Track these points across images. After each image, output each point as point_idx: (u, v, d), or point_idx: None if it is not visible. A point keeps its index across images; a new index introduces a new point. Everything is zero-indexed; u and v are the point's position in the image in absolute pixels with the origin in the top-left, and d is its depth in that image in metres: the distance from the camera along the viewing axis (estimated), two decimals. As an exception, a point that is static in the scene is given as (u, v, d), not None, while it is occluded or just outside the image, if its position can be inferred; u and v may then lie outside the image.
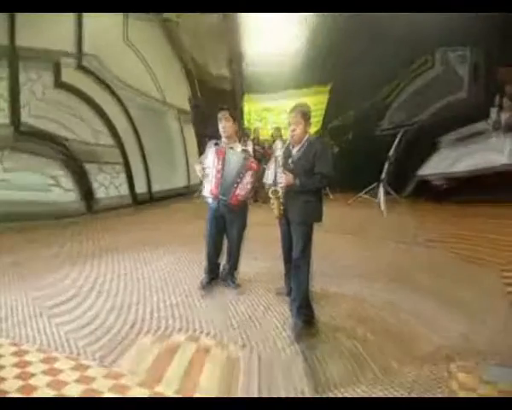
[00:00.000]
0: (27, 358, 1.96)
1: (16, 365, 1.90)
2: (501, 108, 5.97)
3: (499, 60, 5.82)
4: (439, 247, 4.01)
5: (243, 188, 2.71)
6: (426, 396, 1.67)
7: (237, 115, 2.96)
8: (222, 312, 2.53)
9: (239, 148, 2.85)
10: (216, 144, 2.78)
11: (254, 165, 2.75)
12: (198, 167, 2.79)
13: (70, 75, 5.45)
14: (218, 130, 2.84)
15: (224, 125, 2.75)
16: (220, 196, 2.72)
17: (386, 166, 6.23)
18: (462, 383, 1.76)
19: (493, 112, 6.03)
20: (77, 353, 2.02)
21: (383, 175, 6.23)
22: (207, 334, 2.23)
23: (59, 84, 5.32)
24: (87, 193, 5.75)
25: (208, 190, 2.76)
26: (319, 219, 2.41)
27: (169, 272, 3.31)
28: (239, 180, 2.69)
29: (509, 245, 3.86)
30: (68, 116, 5.42)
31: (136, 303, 2.67)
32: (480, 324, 2.33)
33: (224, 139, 2.81)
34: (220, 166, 2.70)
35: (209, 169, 2.74)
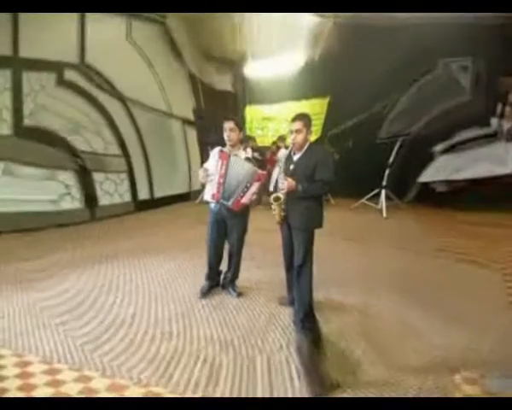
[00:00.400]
0: (30, 369, 1.96)
1: (19, 376, 1.89)
2: (502, 116, 5.98)
3: (501, 69, 5.84)
4: (441, 253, 4.00)
5: (248, 197, 2.73)
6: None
7: (241, 124, 2.99)
8: (222, 325, 2.48)
9: (243, 155, 2.88)
10: (221, 151, 2.80)
11: (262, 177, 2.76)
12: (202, 173, 2.80)
13: (73, 86, 5.49)
14: (220, 138, 2.88)
15: (229, 134, 2.79)
16: (222, 201, 2.74)
17: (386, 172, 6.25)
18: (467, 394, 1.74)
19: (494, 121, 6.05)
20: (79, 363, 2.01)
21: (384, 182, 6.24)
22: (207, 345, 2.21)
23: (62, 93, 5.35)
24: (92, 200, 5.78)
25: (210, 194, 2.78)
26: (320, 224, 2.42)
27: (169, 279, 3.31)
28: (246, 190, 2.71)
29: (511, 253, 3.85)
30: (71, 126, 5.45)
31: (138, 312, 2.65)
32: (484, 334, 2.31)
33: (228, 147, 2.84)
34: (223, 171, 2.71)
35: (212, 174, 2.76)
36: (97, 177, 5.86)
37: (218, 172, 2.72)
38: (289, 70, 8.07)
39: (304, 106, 7.79)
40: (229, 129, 2.78)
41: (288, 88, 8.03)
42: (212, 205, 2.87)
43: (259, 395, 1.77)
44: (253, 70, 8.72)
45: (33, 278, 3.26)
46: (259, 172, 2.76)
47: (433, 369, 1.95)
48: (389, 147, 6.36)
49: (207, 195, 2.82)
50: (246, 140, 6.99)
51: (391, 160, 6.24)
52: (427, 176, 6.68)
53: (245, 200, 2.72)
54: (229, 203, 2.72)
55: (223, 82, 8.88)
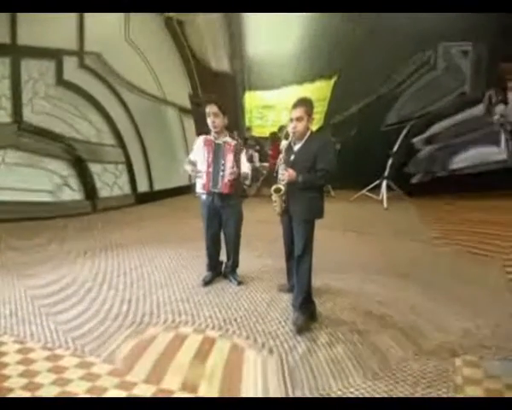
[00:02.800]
0: (32, 356, 1.97)
1: (21, 362, 1.90)
2: (505, 103, 5.92)
3: (501, 54, 5.76)
4: (442, 242, 4.00)
5: (230, 172, 2.60)
6: (430, 392, 1.66)
7: (226, 108, 2.70)
8: (225, 307, 2.55)
9: (229, 141, 2.72)
10: (205, 139, 2.67)
11: (231, 145, 2.64)
12: (189, 167, 2.68)
13: (72, 74, 5.45)
14: None
15: (213, 120, 2.59)
16: (212, 189, 2.65)
17: (389, 162, 6.20)
18: (467, 377, 1.75)
19: (481, 107, 6.00)
20: (81, 350, 2.03)
21: (386, 172, 6.20)
22: (212, 328, 2.25)
23: (61, 82, 5.33)
24: (91, 192, 5.78)
25: (201, 185, 2.69)
26: (321, 215, 2.40)
27: (172, 269, 3.32)
28: (223, 168, 2.61)
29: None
30: (71, 115, 5.45)
31: (141, 299, 2.68)
32: (484, 318, 2.32)
33: (213, 134, 2.69)
34: (211, 159, 2.61)
35: (200, 165, 2.67)
36: (95, 168, 5.85)
37: (207, 161, 2.61)
38: (291, 55, 7.71)
39: (307, 90, 7.44)
40: (213, 114, 2.58)
41: (290, 73, 7.70)
42: (204, 197, 2.77)
43: (260, 378, 1.78)
44: (254, 56, 8.35)
45: (36, 268, 3.27)
46: (227, 143, 2.64)
47: (433, 352, 1.96)
48: (393, 136, 6.29)
49: (198, 187, 2.74)
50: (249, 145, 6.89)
51: (395, 148, 6.16)
52: (415, 165, 6.63)
53: (228, 177, 2.60)
54: (219, 189, 2.63)
55: (220, 65, 8.47)
